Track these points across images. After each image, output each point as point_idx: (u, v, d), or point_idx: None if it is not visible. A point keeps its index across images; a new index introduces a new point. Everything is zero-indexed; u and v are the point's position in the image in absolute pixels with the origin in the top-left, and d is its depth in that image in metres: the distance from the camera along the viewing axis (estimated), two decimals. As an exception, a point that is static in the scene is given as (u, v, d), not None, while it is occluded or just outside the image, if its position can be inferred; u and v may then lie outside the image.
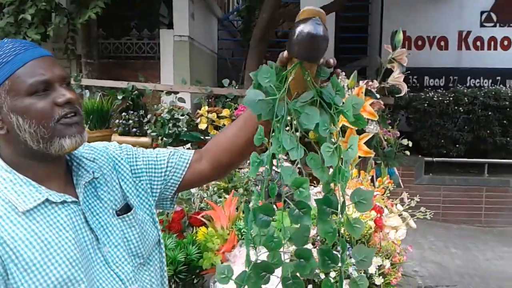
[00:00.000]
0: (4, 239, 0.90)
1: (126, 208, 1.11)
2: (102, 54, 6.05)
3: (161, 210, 2.20)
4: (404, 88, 2.82)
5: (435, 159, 5.91)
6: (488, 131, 5.87)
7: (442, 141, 5.89)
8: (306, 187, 0.89)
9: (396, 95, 2.92)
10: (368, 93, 2.67)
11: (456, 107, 5.83)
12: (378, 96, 2.70)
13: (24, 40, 1.09)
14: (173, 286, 1.89)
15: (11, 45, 0.99)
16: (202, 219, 2.12)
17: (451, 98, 5.84)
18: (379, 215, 2.17)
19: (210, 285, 1.86)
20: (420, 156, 5.86)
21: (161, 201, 1.22)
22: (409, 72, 3.01)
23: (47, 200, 0.98)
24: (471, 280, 4.03)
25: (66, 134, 0.99)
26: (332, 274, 1.77)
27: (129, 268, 1.07)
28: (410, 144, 2.90)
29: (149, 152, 1.21)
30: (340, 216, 0.94)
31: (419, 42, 7.12)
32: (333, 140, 0.94)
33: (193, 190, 2.56)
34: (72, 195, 1.03)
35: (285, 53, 0.92)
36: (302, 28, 0.85)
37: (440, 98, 5.85)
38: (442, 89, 6.52)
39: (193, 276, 1.93)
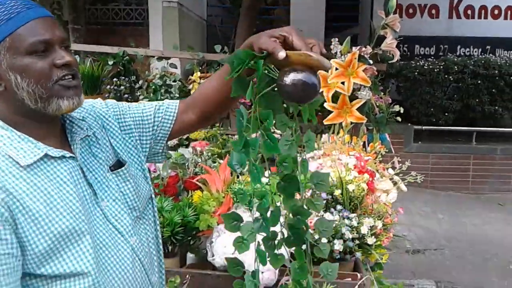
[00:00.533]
0: (10, 191, 0.91)
1: (118, 164, 1.13)
2: (89, 20, 5.94)
3: (157, 174, 2.23)
4: (397, 54, 2.82)
5: (424, 127, 5.98)
6: (477, 100, 5.94)
7: (432, 109, 5.95)
8: (267, 198, 0.99)
9: (389, 62, 2.91)
10: (361, 58, 2.66)
11: (446, 76, 5.87)
12: (371, 62, 2.70)
13: None
14: (170, 247, 1.92)
15: (13, 2, 0.97)
16: (197, 183, 2.14)
17: (441, 67, 5.87)
18: (371, 179, 2.21)
19: (207, 245, 1.89)
20: (409, 124, 5.92)
21: (152, 156, 1.24)
22: (401, 38, 3.01)
23: (46, 155, 0.99)
24: (458, 244, 4.14)
25: (64, 96, 1.00)
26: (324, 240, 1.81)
27: (128, 221, 1.10)
28: (402, 111, 2.92)
29: (135, 107, 1.22)
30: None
31: (410, 10, 7.09)
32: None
33: (187, 155, 2.57)
34: (68, 152, 1.04)
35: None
36: (299, 77, 0.86)
37: (431, 67, 5.88)
38: (432, 57, 6.55)
39: (190, 238, 1.95)
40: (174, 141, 2.78)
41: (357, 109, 2.73)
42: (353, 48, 2.80)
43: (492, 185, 5.79)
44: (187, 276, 1.84)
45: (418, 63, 6.00)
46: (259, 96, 0.94)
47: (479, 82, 5.88)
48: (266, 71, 0.93)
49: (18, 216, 0.91)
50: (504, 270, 3.68)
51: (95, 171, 1.08)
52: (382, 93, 2.98)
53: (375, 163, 2.34)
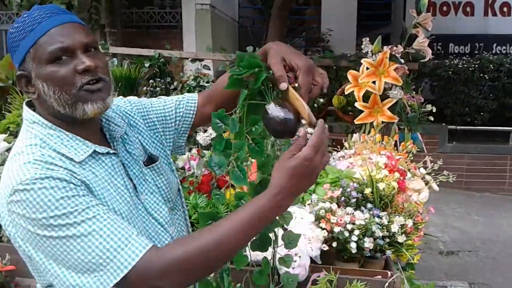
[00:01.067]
0: (83, 180, 0.98)
1: (150, 160, 1.18)
2: (125, 23, 6.11)
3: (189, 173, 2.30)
4: (429, 53, 2.81)
5: (458, 127, 5.88)
6: (514, 99, 5.80)
7: (467, 109, 5.84)
8: (246, 199, 1.07)
9: (421, 61, 2.90)
10: (392, 58, 2.68)
11: (481, 75, 5.75)
12: (402, 61, 2.70)
13: (52, 5, 1.11)
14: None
15: (37, 13, 1.02)
16: (230, 180, 2.20)
17: (476, 65, 5.76)
18: (402, 178, 2.21)
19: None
20: (443, 124, 5.83)
21: (176, 149, 1.29)
22: (433, 37, 2.99)
23: (94, 151, 1.05)
24: (493, 245, 4.07)
25: (89, 100, 1.03)
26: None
27: (166, 212, 1.16)
28: (434, 110, 2.90)
29: (157, 103, 1.25)
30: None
31: (444, 8, 6.98)
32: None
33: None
34: (110, 148, 1.10)
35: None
36: (282, 115, 0.96)
37: (465, 65, 5.78)
38: (467, 56, 6.43)
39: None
40: (207, 140, 2.86)
41: (388, 108, 2.74)
42: (385, 47, 2.81)
43: (530, 186, 5.65)
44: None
45: (452, 62, 5.91)
46: (249, 103, 1.02)
47: (515, 80, 5.75)
48: (262, 87, 1.00)
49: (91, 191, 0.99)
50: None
51: (133, 166, 1.13)
52: (414, 92, 2.98)
53: (406, 162, 2.35)
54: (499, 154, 5.73)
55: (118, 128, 1.14)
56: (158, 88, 3.13)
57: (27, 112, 1.06)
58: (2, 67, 3.17)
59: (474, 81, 5.77)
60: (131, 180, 1.11)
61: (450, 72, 5.80)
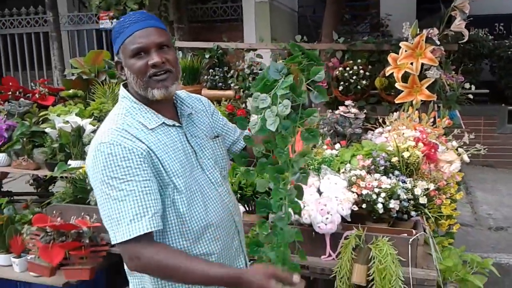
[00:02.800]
0: (147, 144, 1.37)
1: (215, 137, 1.60)
2: (191, 18, 6.58)
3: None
4: (466, 35, 2.95)
5: (519, 108, 5.79)
6: None
7: (527, 89, 5.73)
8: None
9: (459, 42, 3.04)
10: (428, 40, 2.86)
11: (542, 54, 5.62)
12: (438, 42, 2.87)
13: (141, 11, 1.53)
14: (252, 204, 2.34)
15: (128, 19, 1.42)
16: (276, 153, 2.53)
17: (537, 44, 5.64)
18: (433, 150, 2.43)
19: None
20: (503, 105, 5.76)
21: None
22: (471, 19, 3.09)
23: (163, 123, 1.45)
24: None
25: (155, 87, 1.41)
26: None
27: (218, 176, 1.54)
28: (473, 88, 3.04)
29: (226, 127, 1.68)
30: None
31: (507, -13, 6.80)
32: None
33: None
34: (177, 122, 1.49)
35: None
36: None
37: (526, 45, 5.68)
38: (529, 35, 6.26)
39: (256, 194, 2.35)
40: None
41: (427, 87, 2.93)
42: (424, 30, 2.99)
43: None
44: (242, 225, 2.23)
45: (512, 42, 5.82)
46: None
47: None
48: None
49: (153, 159, 1.37)
50: None
51: (197, 137, 1.53)
52: (454, 72, 3.12)
53: (437, 136, 2.54)
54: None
55: (187, 108, 1.55)
56: (217, 77, 3.51)
57: (121, 90, 1.49)
58: (86, 62, 3.69)
59: (536, 60, 5.66)
60: (192, 147, 1.49)
61: (509, 52, 5.72)
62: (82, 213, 2.51)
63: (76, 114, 3.17)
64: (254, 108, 1.31)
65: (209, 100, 1.70)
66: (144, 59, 1.40)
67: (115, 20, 6.34)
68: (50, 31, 5.94)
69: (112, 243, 1.36)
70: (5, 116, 3.32)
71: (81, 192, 2.67)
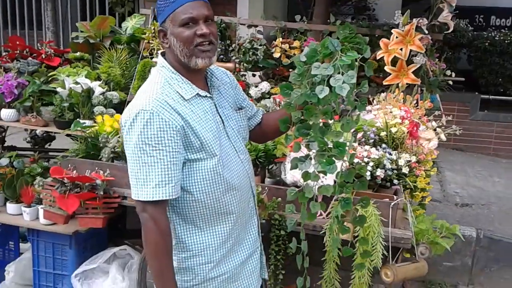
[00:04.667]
0: (183, 115, 1.52)
1: (239, 109, 1.79)
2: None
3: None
4: (451, 26, 3.25)
5: (491, 96, 6.18)
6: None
7: (500, 79, 6.12)
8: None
9: (444, 32, 3.34)
10: (417, 29, 3.14)
11: (517, 47, 6.01)
12: (426, 32, 3.16)
13: None
14: (254, 168, 2.61)
15: None
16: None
17: (512, 38, 6.02)
18: (415, 128, 2.74)
19: (281, 167, 2.56)
20: (476, 93, 6.16)
21: None
22: (457, 12, 3.37)
23: (197, 94, 1.61)
24: (507, 202, 4.45)
25: (200, 56, 1.53)
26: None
27: (241, 144, 1.74)
28: (453, 75, 3.35)
29: (243, 95, 1.86)
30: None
31: (489, -19, 7.13)
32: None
33: (269, 105, 3.23)
34: (208, 93, 1.67)
35: None
36: None
37: (502, 38, 6.03)
38: (506, 29, 6.62)
39: (269, 162, 2.64)
40: (258, 94, 3.45)
41: (413, 72, 3.23)
42: (414, 19, 3.27)
43: (557, 155, 5.93)
44: (266, 188, 2.51)
45: (490, 34, 6.16)
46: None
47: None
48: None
49: (187, 131, 1.54)
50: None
51: (224, 108, 1.70)
52: (437, 60, 3.42)
53: (419, 116, 2.85)
54: (529, 124, 6.01)
55: (216, 80, 1.72)
56: (218, 49, 3.73)
57: (160, 59, 1.64)
58: (92, 27, 3.84)
59: (510, 53, 6.03)
60: (220, 117, 1.67)
61: (486, 44, 6.08)
62: (96, 168, 2.72)
63: (85, 76, 3.36)
64: (310, 74, 1.46)
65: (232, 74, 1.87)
66: (192, 29, 1.52)
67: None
68: (43, -8, 5.96)
69: (133, 198, 1.55)
70: (15, 73, 3.46)
71: (93, 149, 2.88)
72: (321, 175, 1.57)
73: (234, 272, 1.71)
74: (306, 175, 1.60)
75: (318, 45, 1.49)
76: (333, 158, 1.51)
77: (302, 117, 1.51)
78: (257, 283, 1.81)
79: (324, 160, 1.51)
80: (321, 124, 1.52)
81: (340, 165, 1.57)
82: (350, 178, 1.58)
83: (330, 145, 1.53)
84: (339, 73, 1.43)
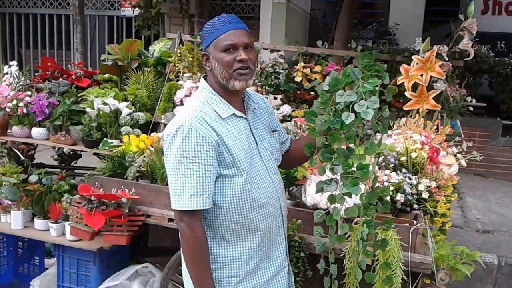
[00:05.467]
0: (218, 133, 1.64)
1: (273, 131, 1.88)
2: (212, 14, 6.88)
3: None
4: (471, 53, 3.28)
5: (513, 122, 6.15)
6: None
7: (522, 106, 6.10)
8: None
9: (465, 59, 3.38)
10: (438, 56, 3.19)
11: (538, 73, 5.99)
12: (447, 58, 3.20)
13: (232, 15, 1.72)
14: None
15: (224, 19, 1.68)
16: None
17: (534, 64, 6.01)
18: (435, 154, 2.77)
19: (302, 190, 2.61)
20: (498, 119, 6.13)
21: None
22: (477, 39, 3.40)
23: (234, 114, 1.71)
24: None
25: (238, 79, 1.66)
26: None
27: (272, 164, 1.82)
28: (474, 101, 3.37)
29: (277, 122, 1.96)
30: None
31: (510, 8, 7.15)
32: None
33: (290, 128, 3.29)
34: (244, 114, 1.76)
35: None
36: None
37: (523, 64, 6.04)
38: (529, 55, 6.62)
39: (290, 184, 2.69)
40: (280, 117, 3.52)
41: (434, 97, 3.27)
42: (435, 46, 3.32)
43: None
44: (286, 210, 2.55)
45: (511, 60, 6.17)
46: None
47: None
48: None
49: (221, 147, 1.64)
50: None
51: (258, 129, 1.80)
52: (458, 86, 3.45)
53: (439, 142, 2.88)
54: (551, 150, 5.94)
55: (252, 103, 1.83)
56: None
57: (201, 81, 1.77)
58: (120, 50, 3.98)
59: (531, 78, 6.02)
60: (254, 137, 1.77)
61: (508, 70, 6.07)
62: (122, 186, 2.81)
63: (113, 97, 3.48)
64: (334, 102, 1.56)
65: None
66: (233, 54, 1.64)
67: (136, 8, 6.62)
68: (73, 14, 6.20)
69: (172, 208, 1.66)
70: (47, 94, 3.61)
71: (119, 168, 2.98)
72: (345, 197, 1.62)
73: None
74: (332, 198, 1.66)
75: (339, 74, 1.57)
76: (357, 180, 1.57)
77: (326, 142, 1.57)
78: None
79: (348, 182, 1.57)
80: (344, 148, 1.59)
81: (364, 187, 1.63)
82: (374, 200, 1.65)
83: (354, 168, 1.59)
84: (361, 99, 1.51)
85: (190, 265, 1.67)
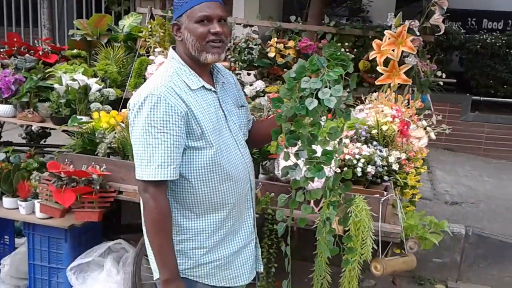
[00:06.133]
0: (187, 104, 1.62)
1: (241, 106, 1.87)
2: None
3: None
4: (442, 28, 3.32)
5: (482, 98, 6.27)
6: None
7: (491, 81, 6.21)
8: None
9: (436, 34, 3.41)
10: (409, 31, 3.21)
11: (507, 50, 6.10)
12: (418, 33, 3.23)
13: None
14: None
15: None
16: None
17: (503, 41, 6.11)
18: (406, 127, 2.81)
19: (275, 164, 2.62)
20: (468, 94, 6.25)
21: None
22: (448, 14, 3.44)
23: (203, 86, 1.70)
24: (496, 201, 4.52)
25: (210, 51, 1.65)
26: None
27: (241, 137, 1.82)
28: (444, 77, 3.42)
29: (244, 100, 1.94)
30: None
31: (481, -15, 7.24)
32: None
33: (263, 103, 3.29)
34: (213, 87, 1.75)
35: None
36: None
37: (493, 41, 6.13)
38: (498, 32, 6.72)
39: (263, 158, 2.69)
40: (253, 92, 3.51)
41: (404, 72, 3.30)
42: (406, 21, 3.34)
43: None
44: (259, 183, 2.57)
45: (481, 37, 6.26)
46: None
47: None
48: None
49: (190, 118, 1.62)
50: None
51: (227, 104, 1.79)
52: (428, 61, 3.49)
53: (410, 115, 2.92)
54: (519, 124, 6.10)
55: (221, 77, 1.82)
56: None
57: (171, 51, 1.74)
58: (89, 25, 3.88)
59: (501, 55, 6.12)
60: (223, 111, 1.76)
61: (478, 46, 6.17)
62: (93, 163, 2.77)
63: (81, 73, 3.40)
64: (300, 88, 1.58)
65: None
66: (207, 26, 1.63)
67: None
68: (40, -10, 6.00)
69: (136, 178, 1.63)
70: (13, 70, 3.50)
71: (89, 145, 2.93)
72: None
73: (226, 260, 1.77)
74: (294, 183, 1.70)
75: (306, 62, 1.60)
76: (321, 166, 1.63)
77: (292, 128, 1.63)
78: (249, 274, 1.87)
79: (313, 167, 1.61)
80: (309, 135, 1.63)
81: (328, 170, 1.68)
82: (337, 182, 1.72)
83: (319, 154, 1.63)
84: (326, 87, 1.55)
85: (152, 236, 1.65)
